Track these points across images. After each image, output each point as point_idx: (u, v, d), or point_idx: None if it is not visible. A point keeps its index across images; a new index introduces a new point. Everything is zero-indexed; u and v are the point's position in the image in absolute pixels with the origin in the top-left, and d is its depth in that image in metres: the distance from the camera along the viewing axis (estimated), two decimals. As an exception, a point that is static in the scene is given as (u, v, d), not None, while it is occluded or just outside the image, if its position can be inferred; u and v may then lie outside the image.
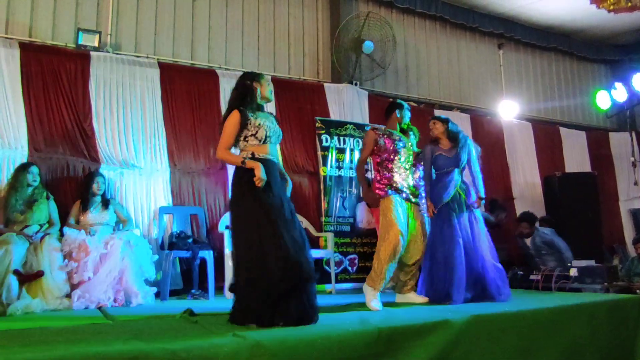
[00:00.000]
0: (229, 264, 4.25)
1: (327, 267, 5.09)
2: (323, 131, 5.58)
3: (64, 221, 4.07)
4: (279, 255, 2.48)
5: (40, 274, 3.46)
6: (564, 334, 2.92)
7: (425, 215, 3.85)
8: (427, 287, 3.65)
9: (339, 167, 5.60)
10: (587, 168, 7.65)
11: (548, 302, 3.25)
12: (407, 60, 6.86)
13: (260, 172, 2.62)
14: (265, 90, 2.92)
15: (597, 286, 4.34)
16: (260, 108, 2.93)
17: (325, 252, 4.96)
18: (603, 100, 6.62)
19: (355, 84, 6.03)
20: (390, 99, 5.80)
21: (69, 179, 4.40)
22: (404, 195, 3.58)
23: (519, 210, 6.55)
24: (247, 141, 2.77)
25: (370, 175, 4.11)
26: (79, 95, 4.55)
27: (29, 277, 3.43)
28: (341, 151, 5.63)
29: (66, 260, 3.66)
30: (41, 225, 3.89)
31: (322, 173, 5.49)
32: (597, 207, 6.74)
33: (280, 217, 2.58)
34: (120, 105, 4.70)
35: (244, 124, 2.75)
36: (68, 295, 3.55)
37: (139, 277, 3.86)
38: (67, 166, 4.42)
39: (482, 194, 3.81)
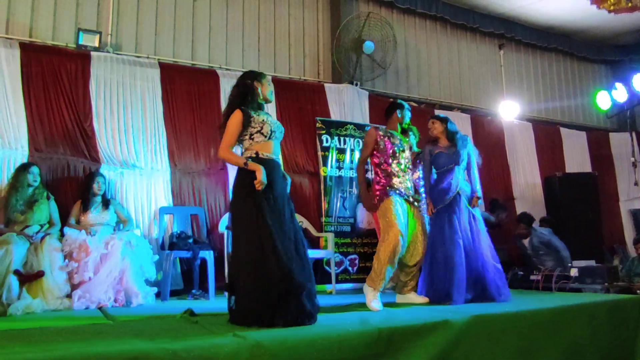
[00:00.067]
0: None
1: (327, 268, 5.10)
2: (323, 131, 5.58)
3: (64, 221, 4.08)
4: (277, 259, 2.49)
5: (40, 274, 3.46)
6: (564, 334, 2.92)
7: (426, 215, 3.85)
8: (427, 288, 3.65)
9: (340, 168, 5.60)
10: (588, 168, 7.66)
11: (548, 302, 3.25)
12: (408, 60, 6.85)
13: (261, 176, 2.61)
14: (266, 90, 2.92)
15: (598, 286, 4.34)
16: (260, 107, 2.93)
17: (326, 252, 4.97)
18: (603, 100, 6.61)
19: (356, 84, 6.03)
20: (391, 99, 5.80)
21: (70, 179, 4.41)
22: (403, 195, 3.58)
23: (519, 211, 6.56)
24: (252, 139, 2.76)
25: (371, 175, 4.12)
26: (80, 95, 4.55)
27: (30, 277, 3.44)
28: (341, 151, 5.64)
29: (67, 260, 3.66)
30: (42, 226, 3.90)
31: (322, 173, 5.50)
32: (597, 207, 6.75)
33: (277, 224, 2.58)
34: (121, 106, 4.70)
35: (246, 122, 2.75)
36: (68, 296, 3.55)
37: (140, 277, 3.86)
38: (67, 166, 4.42)
39: (479, 194, 3.81)
